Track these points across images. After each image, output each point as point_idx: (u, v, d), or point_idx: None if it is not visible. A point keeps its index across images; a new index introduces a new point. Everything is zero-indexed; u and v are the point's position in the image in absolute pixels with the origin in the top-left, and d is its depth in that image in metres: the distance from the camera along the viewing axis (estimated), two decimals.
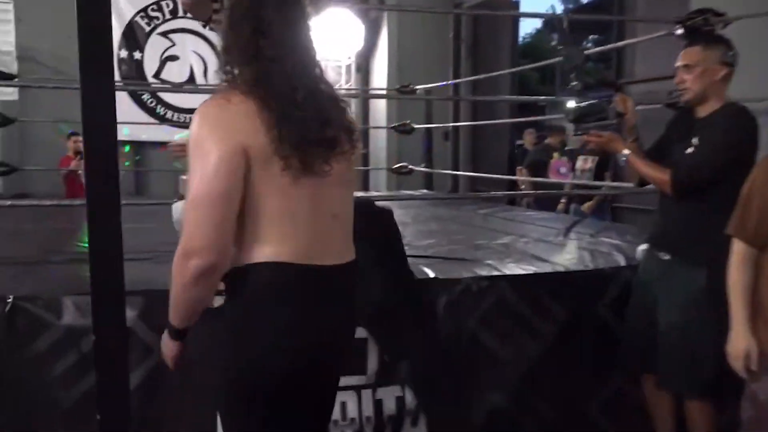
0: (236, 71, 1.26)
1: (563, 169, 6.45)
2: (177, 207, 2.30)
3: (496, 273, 2.35)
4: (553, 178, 6.28)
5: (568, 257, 2.75)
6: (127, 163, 7.36)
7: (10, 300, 1.81)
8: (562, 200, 5.76)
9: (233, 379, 1.30)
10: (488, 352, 2.25)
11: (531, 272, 2.40)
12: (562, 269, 2.48)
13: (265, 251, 1.25)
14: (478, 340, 2.24)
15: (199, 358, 1.45)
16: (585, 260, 2.65)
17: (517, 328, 2.29)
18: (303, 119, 1.23)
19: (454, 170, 7.45)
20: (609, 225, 3.97)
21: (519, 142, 7.62)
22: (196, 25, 6.85)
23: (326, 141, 1.27)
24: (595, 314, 2.40)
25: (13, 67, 6.73)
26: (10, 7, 6.82)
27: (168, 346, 1.34)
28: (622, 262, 2.58)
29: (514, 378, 2.27)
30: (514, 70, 6.84)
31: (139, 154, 7.49)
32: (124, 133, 7.13)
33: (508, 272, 2.39)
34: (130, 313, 1.82)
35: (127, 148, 7.40)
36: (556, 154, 6.50)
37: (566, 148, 6.60)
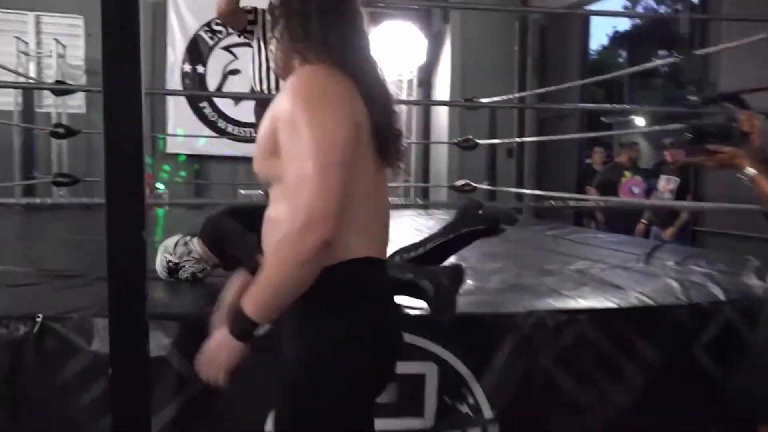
0: (325, 53, 1.20)
1: (636, 189, 6.07)
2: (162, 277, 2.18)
3: (574, 305, 2.08)
4: (624, 198, 5.90)
5: (654, 288, 2.42)
6: (183, 173, 7.41)
7: (39, 319, 1.67)
8: (643, 221, 5.37)
9: (327, 391, 1.17)
10: (565, 396, 1.96)
11: (615, 306, 2.11)
12: (650, 303, 2.17)
13: (357, 244, 1.17)
14: (554, 383, 1.96)
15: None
16: (675, 292, 2.33)
17: (599, 370, 2.00)
18: (385, 110, 1.23)
19: (518, 189, 7.13)
20: (696, 251, 3.59)
21: (587, 161, 7.24)
22: None
23: (399, 135, 1.27)
24: (690, 356, 2.08)
25: (81, 81, 6.90)
26: (81, 22, 7.00)
27: (228, 351, 1.13)
28: (721, 296, 2.25)
29: (595, 428, 1.98)
30: (583, 82, 6.47)
31: (198, 166, 7.53)
32: (178, 140, 7.18)
33: (586, 304, 2.11)
34: (165, 341, 1.65)
35: (182, 158, 7.45)
36: (627, 173, 6.12)
37: (639, 167, 6.22)
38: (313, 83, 1.15)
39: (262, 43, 3.02)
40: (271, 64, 2.97)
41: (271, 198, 1.23)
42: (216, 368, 1.16)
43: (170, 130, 7.20)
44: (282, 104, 1.13)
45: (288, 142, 1.10)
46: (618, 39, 20.77)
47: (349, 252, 1.16)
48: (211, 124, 7.37)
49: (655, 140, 9.51)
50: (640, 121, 14.27)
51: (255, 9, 3.05)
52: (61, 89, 2.60)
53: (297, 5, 1.23)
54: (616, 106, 7.68)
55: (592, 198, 5.95)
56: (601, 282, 2.53)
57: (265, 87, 3.03)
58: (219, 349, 1.15)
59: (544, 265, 2.93)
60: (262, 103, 3.01)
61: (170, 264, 2.18)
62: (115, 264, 1.07)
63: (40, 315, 1.66)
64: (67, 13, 6.89)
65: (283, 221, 1.08)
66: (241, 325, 1.12)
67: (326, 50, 1.19)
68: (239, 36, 3.12)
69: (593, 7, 7.14)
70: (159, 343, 1.64)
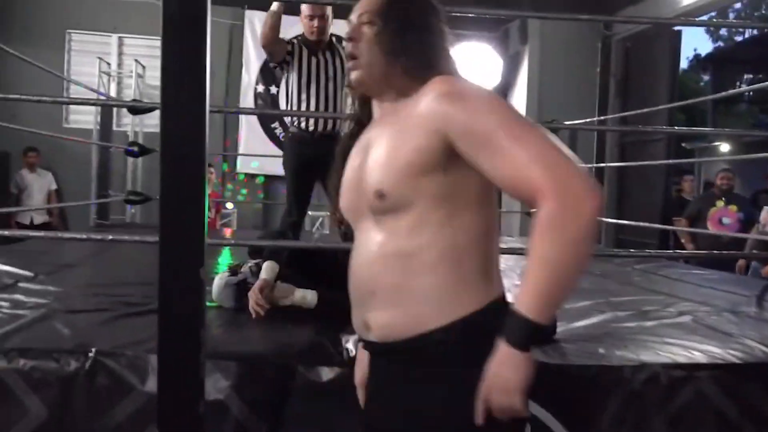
0: (448, 68, 1.13)
1: (727, 220, 5.60)
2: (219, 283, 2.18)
3: (689, 358, 1.79)
4: (712, 230, 5.45)
5: None
6: (261, 196, 7.41)
7: (92, 354, 1.53)
8: None
9: None
10: None
11: (738, 360, 1.80)
12: None
13: (497, 282, 1.06)
14: None
15: None
16: None
17: None
18: None
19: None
20: None
21: (676, 188, 6.79)
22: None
23: None
24: None
25: (157, 100, 7.02)
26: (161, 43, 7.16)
27: (520, 370, 0.93)
28: None
29: None
30: (670, 105, 6.04)
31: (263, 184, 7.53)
32: (252, 165, 7.20)
33: (703, 357, 1.81)
34: (223, 383, 1.48)
35: (261, 179, 7.45)
36: (719, 202, 5.66)
37: (736, 194, 5.74)
38: (473, 87, 1.05)
39: (294, 75, 3.24)
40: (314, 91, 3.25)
41: (397, 229, 1.04)
42: (513, 398, 0.94)
43: (242, 150, 7.22)
44: (451, 114, 1.00)
45: (488, 144, 0.98)
46: (700, 62, 19.90)
47: (498, 287, 1.06)
48: (281, 145, 7.35)
49: (742, 168, 8.89)
50: (723, 148, 13.53)
51: (292, 42, 3.27)
52: (134, 107, 2.54)
53: (420, 18, 1.14)
54: (718, 129, 7.15)
55: (677, 229, 5.54)
56: (712, 329, 2.21)
57: (303, 107, 3.25)
58: (507, 374, 0.94)
59: (641, 306, 2.62)
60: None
61: (230, 270, 2.21)
62: (167, 304, 0.90)
63: (93, 349, 1.53)
64: (148, 35, 7.05)
65: (543, 210, 0.94)
66: (526, 333, 0.93)
67: (449, 66, 1.13)
68: (274, 68, 3.35)
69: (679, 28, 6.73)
70: (217, 385, 1.47)
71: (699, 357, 1.82)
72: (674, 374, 1.70)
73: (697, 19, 6.68)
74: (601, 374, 1.69)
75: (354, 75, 1.14)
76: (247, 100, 7.30)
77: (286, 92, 3.30)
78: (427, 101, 1.03)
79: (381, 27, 1.12)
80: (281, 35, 3.21)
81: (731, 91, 6.20)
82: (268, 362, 1.57)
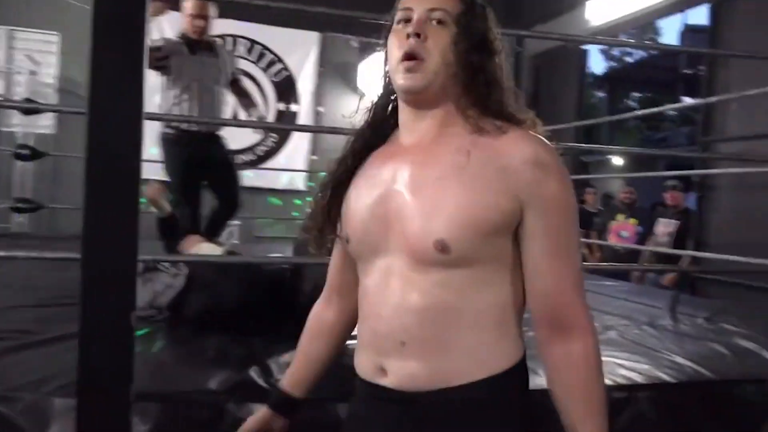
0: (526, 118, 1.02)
1: (625, 233, 5.93)
2: None
3: (626, 378, 1.78)
4: (612, 242, 5.72)
5: (704, 356, 2.11)
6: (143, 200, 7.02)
7: None
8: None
9: None
10: None
11: (673, 380, 1.81)
12: (711, 376, 1.88)
13: (523, 338, 1.02)
14: None
15: None
16: (728, 362, 2.05)
17: None
18: None
19: None
20: (719, 305, 3.29)
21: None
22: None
23: None
24: None
25: (51, 100, 6.49)
26: (56, 39, 6.63)
27: None
28: None
29: None
30: (576, 123, 6.30)
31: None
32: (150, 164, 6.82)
33: (638, 377, 1.81)
34: (140, 428, 1.29)
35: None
36: (620, 216, 5.98)
37: (638, 208, 6.05)
38: (561, 164, 0.97)
39: (176, 74, 3.20)
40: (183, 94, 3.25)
41: (442, 281, 0.94)
42: None
43: (145, 151, 6.81)
44: (541, 188, 0.93)
45: (561, 233, 0.95)
46: (595, 80, 21.16)
47: (523, 344, 1.02)
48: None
49: (638, 181, 9.45)
50: (615, 161, 14.40)
51: (170, 40, 3.26)
52: (34, 108, 2.27)
53: (496, 41, 1.00)
54: (656, 150, 7.56)
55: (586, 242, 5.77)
56: (638, 344, 2.23)
57: (186, 106, 3.19)
58: None
59: None
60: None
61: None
62: (88, 356, 0.73)
63: None
64: (42, 29, 6.52)
65: (583, 343, 0.97)
66: None
67: (525, 112, 1.01)
68: (157, 71, 3.25)
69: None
70: (135, 431, 1.28)
71: (635, 376, 1.82)
72: (616, 396, 1.68)
73: (607, 38, 7.01)
74: (544, 400, 1.64)
75: (414, 80, 0.95)
76: (153, 102, 6.93)
77: (168, 91, 3.27)
78: (518, 161, 0.92)
79: (458, 32, 0.96)
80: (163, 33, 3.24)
81: (635, 113, 6.58)
82: (192, 400, 1.40)
